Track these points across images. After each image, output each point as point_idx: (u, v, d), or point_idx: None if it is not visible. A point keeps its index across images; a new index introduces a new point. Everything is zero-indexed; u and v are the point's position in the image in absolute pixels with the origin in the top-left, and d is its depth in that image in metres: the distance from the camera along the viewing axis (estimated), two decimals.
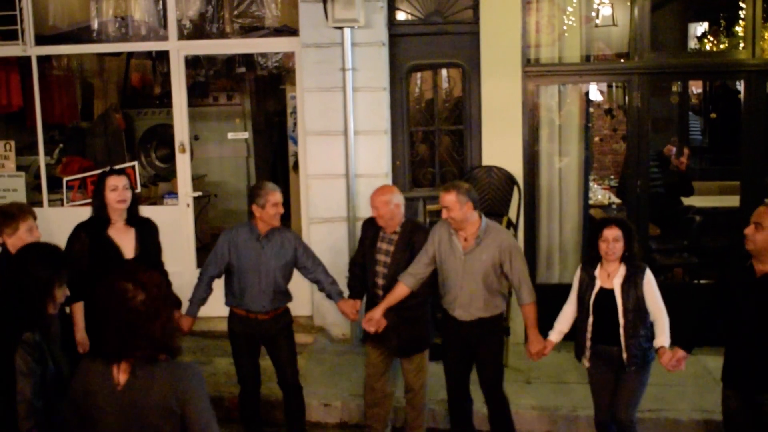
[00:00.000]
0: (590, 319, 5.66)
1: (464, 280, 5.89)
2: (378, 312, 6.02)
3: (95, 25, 9.07)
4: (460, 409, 6.32)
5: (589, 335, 5.69)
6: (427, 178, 8.70)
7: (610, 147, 14.24)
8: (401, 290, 6.04)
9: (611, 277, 5.60)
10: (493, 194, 8.23)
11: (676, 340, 5.56)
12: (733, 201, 8.66)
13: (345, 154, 8.16)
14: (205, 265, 6.25)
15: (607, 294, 5.60)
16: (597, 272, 5.67)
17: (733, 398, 5.30)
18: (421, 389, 6.38)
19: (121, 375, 3.31)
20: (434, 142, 8.70)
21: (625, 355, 5.54)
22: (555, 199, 8.61)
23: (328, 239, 8.04)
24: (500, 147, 8.29)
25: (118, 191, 5.72)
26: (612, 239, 5.54)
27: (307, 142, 8.32)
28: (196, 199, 9.03)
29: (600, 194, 11.13)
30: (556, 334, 5.94)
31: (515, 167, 8.28)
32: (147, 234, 5.95)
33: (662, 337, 5.54)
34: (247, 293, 6.09)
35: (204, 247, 9.61)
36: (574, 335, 5.86)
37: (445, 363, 6.29)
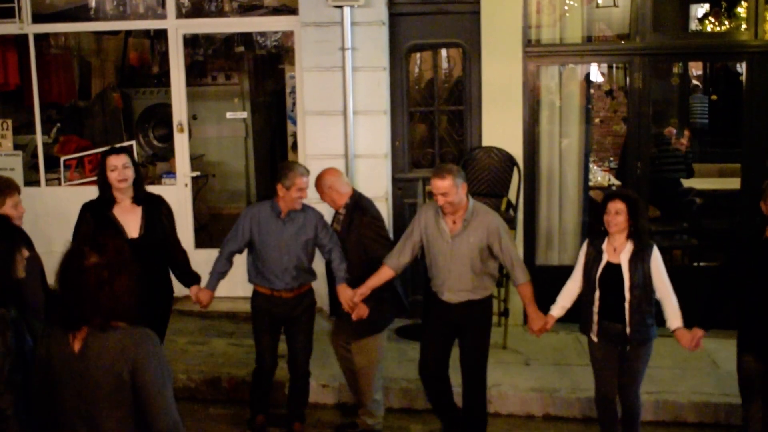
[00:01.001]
0: (597, 293, 5.64)
1: (452, 263, 5.82)
2: (359, 296, 5.97)
3: (93, 3, 9.03)
4: (438, 388, 6.21)
5: (596, 308, 5.67)
6: (427, 159, 8.66)
7: (610, 128, 14.22)
8: (386, 273, 6.00)
9: (618, 251, 5.58)
10: (493, 175, 8.19)
11: (688, 321, 5.56)
12: (733, 183, 8.64)
13: (344, 135, 8.12)
14: (226, 239, 6.20)
15: (614, 268, 5.58)
16: (604, 246, 5.65)
17: (753, 363, 5.35)
18: (362, 371, 6.30)
19: (76, 342, 3.30)
20: (434, 122, 8.65)
21: (628, 330, 5.54)
22: (555, 180, 8.58)
23: (326, 219, 8.00)
24: (500, 128, 8.25)
25: (117, 171, 5.66)
26: (614, 212, 5.53)
27: (306, 122, 8.28)
28: (194, 179, 9.01)
29: (600, 176, 11.13)
30: (558, 309, 5.89)
31: (515, 148, 8.24)
32: (154, 212, 5.88)
33: (676, 318, 5.56)
34: (270, 271, 6.05)
35: (202, 227, 9.58)
36: (576, 314, 5.84)
37: (423, 341, 6.21)
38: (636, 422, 5.87)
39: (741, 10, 10.08)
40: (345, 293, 6.03)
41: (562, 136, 8.59)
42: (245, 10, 9.12)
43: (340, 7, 7.89)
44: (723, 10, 12.00)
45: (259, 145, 12.00)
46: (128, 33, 11.39)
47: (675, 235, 9.57)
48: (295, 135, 9.59)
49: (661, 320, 5.62)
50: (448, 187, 5.63)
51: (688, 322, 5.56)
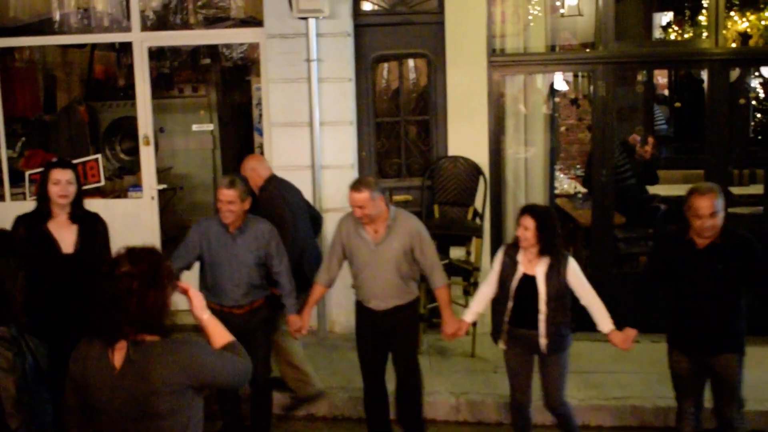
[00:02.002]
0: (510, 304, 5.65)
1: (377, 271, 5.87)
2: (306, 322, 6.13)
3: (57, 17, 8.97)
4: (377, 399, 6.24)
5: (507, 318, 5.68)
6: (394, 169, 8.69)
7: (576, 136, 14.32)
8: (319, 290, 6.16)
9: (533, 264, 5.58)
10: (458, 184, 8.24)
11: (623, 323, 5.67)
12: None
13: (311, 146, 8.13)
14: (174, 256, 6.01)
15: (529, 280, 5.58)
16: (519, 257, 5.64)
17: (682, 361, 5.53)
18: (282, 350, 6.59)
19: (116, 358, 3.30)
20: (400, 132, 8.68)
21: (545, 342, 5.56)
22: (521, 188, 8.64)
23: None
24: (466, 137, 8.30)
25: (60, 185, 5.48)
26: (523, 227, 5.53)
27: (273, 133, 8.29)
28: (161, 191, 8.97)
29: (566, 184, 11.20)
30: (471, 315, 5.98)
31: (481, 157, 8.29)
32: (91, 230, 5.65)
33: (606, 322, 5.61)
34: (220, 287, 5.94)
35: (170, 240, 9.53)
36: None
37: (360, 354, 6.22)
38: (570, 424, 5.91)
39: (702, 18, 10.20)
40: (295, 324, 6.08)
41: (527, 145, 8.65)
42: (211, 23, 9.11)
43: (306, 18, 7.89)
44: (686, 18, 12.14)
45: (227, 157, 11.96)
46: (94, 46, 11.33)
47: (640, 241, 9.63)
48: (262, 146, 9.58)
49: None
50: (364, 200, 5.70)
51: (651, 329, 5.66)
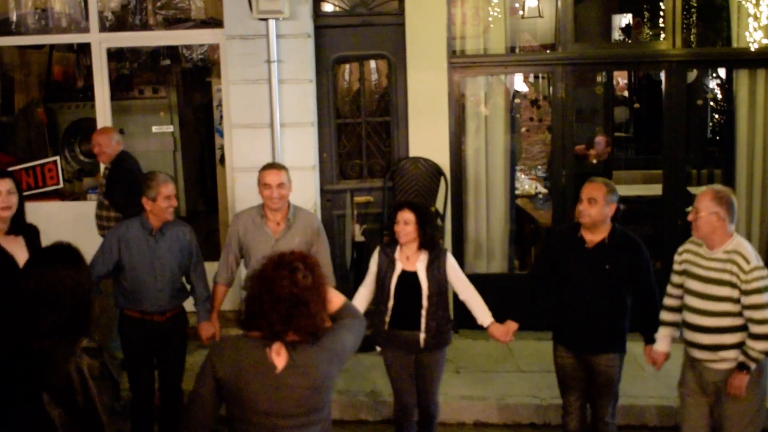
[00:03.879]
0: (390, 303, 5.65)
1: None
2: (215, 323, 6.05)
3: (14, 17, 8.89)
4: None
5: (387, 318, 5.67)
6: (355, 170, 8.68)
7: (537, 137, 14.36)
8: (221, 290, 6.13)
9: (411, 260, 5.61)
10: (420, 185, 8.25)
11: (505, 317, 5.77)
12: (656, 190, 8.80)
13: (271, 147, 8.09)
14: (92, 263, 5.38)
15: (409, 277, 5.60)
16: (397, 255, 5.66)
17: (565, 355, 5.64)
18: None
19: (276, 359, 3.45)
20: (361, 133, 8.68)
21: (423, 337, 5.57)
22: (482, 189, 8.67)
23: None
24: (427, 138, 8.33)
25: (1, 196, 5.02)
26: (403, 222, 5.55)
27: (233, 135, 8.25)
28: None
29: (527, 184, 11.23)
30: None
31: (442, 158, 8.32)
32: (36, 243, 5.23)
33: (486, 315, 5.70)
34: (141, 293, 5.71)
35: None
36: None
37: None
38: (432, 425, 5.93)
39: (660, 21, 10.30)
40: (209, 331, 6.01)
41: (488, 146, 8.68)
42: (170, 24, 9.06)
43: (266, 19, 7.85)
44: (645, 20, 12.23)
45: (188, 158, 11.90)
46: (52, 47, 11.21)
47: None
48: (223, 148, 9.54)
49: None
50: (285, 179, 5.87)
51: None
